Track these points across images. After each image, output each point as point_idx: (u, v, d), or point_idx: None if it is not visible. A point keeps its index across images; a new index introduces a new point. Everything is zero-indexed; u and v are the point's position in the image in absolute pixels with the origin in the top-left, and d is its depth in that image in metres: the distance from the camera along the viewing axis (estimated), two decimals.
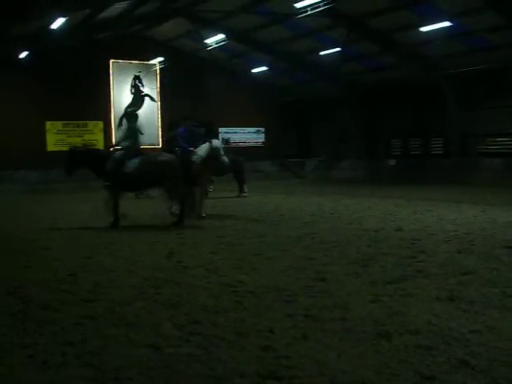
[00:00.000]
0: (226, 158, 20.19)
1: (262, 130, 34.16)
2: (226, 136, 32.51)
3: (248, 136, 33.82)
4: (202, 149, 14.02)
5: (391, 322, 5.21)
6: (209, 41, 26.21)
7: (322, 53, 26.13)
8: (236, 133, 33.29)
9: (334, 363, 4.27)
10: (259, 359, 4.39)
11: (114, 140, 29.35)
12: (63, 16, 19.80)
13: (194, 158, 13.85)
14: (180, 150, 14.29)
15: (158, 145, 29.40)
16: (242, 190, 19.86)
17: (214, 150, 13.96)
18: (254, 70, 30.51)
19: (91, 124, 29.18)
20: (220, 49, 27.20)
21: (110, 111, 29.80)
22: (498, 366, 4.15)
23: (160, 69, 30.49)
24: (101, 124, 29.44)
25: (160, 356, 4.53)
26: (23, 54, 25.27)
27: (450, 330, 4.92)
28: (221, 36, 25.55)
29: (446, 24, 20.57)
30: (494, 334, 4.82)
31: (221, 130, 31.90)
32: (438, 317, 5.32)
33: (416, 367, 4.15)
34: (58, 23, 20.48)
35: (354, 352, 4.49)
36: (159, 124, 31.08)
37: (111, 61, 29.66)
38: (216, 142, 20.73)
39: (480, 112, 25.40)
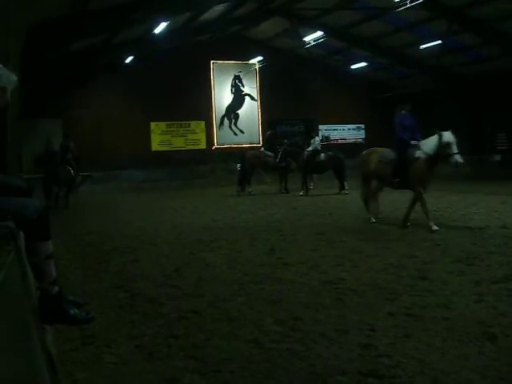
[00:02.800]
0: (323, 155, 20.28)
1: (362, 126, 33.76)
2: (326, 133, 32.38)
3: (348, 133, 33.53)
4: (429, 143, 11.37)
5: (496, 322, 5.02)
6: (307, 38, 26.16)
7: (422, 46, 25.45)
8: (336, 130, 33.09)
9: (437, 363, 4.18)
10: (360, 357, 4.37)
11: (215, 139, 29.99)
12: (165, 20, 20.42)
13: (417, 153, 11.33)
14: (398, 143, 11.91)
15: (259, 143, 29.68)
16: (342, 187, 19.73)
17: (445, 147, 11.07)
18: (353, 66, 30.21)
19: (193, 124, 29.88)
20: (318, 46, 27.09)
21: (212, 111, 30.39)
22: None
23: (259, 68, 30.78)
24: (203, 124, 30.09)
25: (261, 351, 4.60)
26: (128, 59, 26.25)
27: None
28: (319, 33, 25.45)
29: None
30: None
31: (320, 127, 31.82)
32: None
33: None
34: (161, 28, 21.13)
35: (457, 353, 4.38)
36: (259, 122, 31.37)
37: (211, 61, 30.25)
38: (316, 139, 20.95)
39: None
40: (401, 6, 20.10)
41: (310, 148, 20.53)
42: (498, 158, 27.94)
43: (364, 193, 12.65)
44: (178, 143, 29.06)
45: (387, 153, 12.13)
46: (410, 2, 19.43)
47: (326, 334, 4.92)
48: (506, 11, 21.38)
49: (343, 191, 19.51)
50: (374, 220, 11.95)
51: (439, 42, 24.44)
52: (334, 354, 4.46)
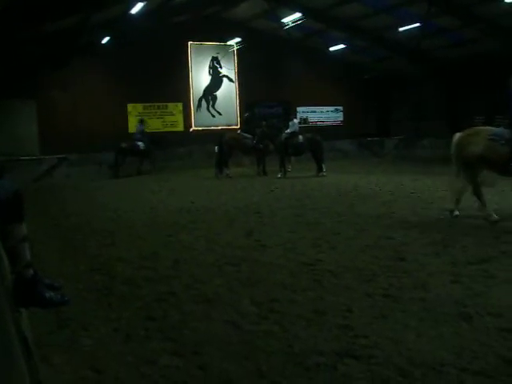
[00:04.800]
0: (301, 137, 20.30)
1: (340, 108, 33.78)
2: (304, 115, 32.36)
3: (326, 115, 33.52)
4: None
5: (472, 303, 5.10)
6: (285, 20, 26.02)
7: (402, 29, 25.44)
8: (314, 112, 33.07)
9: (413, 344, 4.24)
10: (337, 338, 4.41)
11: (193, 121, 29.83)
12: (142, 1, 20.17)
13: None
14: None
15: (237, 125, 29.60)
16: (320, 169, 19.77)
17: None
18: (332, 48, 30.13)
19: (171, 106, 29.65)
20: (297, 28, 26.97)
21: (189, 92, 30.20)
22: None
23: (237, 49, 30.61)
24: (180, 105, 29.88)
25: (238, 332, 4.62)
26: (104, 40, 25.92)
27: None
28: (297, 14, 25.32)
29: None
30: None
31: (299, 109, 31.79)
32: None
33: (497, 350, 4.06)
34: (138, 8, 20.88)
35: (433, 333, 4.44)
36: (237, 104, 31.25)
37: (189, 43, 29.96)
38: (295, 122, 20.97)
39: None
40: None
41: (288, 130, 20.52)
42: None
43: (473, 182, 10.02)
44: (156, 125, 28.79)
45: (500, 131, 9.90)
46: None
47: (303, 315, 4.95)
48: None
49: (321, 173, 19.54)
50: (457, 213, 10.11)
51: (418, 24, 24.45)
52: (312, 334, 4.49)
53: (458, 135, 10.74)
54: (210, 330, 4.70)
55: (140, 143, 24.05)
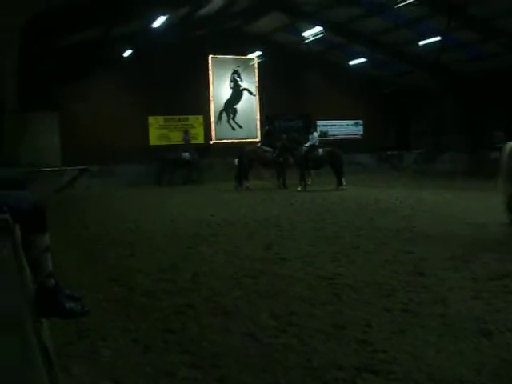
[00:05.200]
0: (320, 151, 20.31)
1: (360, 122, 33.74)
2: (324, 129, 32.35)
3: (346, 128, 33.50)
4: None
5: (493, 319, 5.03)
6: (306, 34, 26.12)
7: (422, 42, 25.40)
8: (334, 125, 33.06)
9: (432, 359, 4.19)
10: (356, 352, 4.38)
11: (213, 134, 29.96)
12: (163, 14, 20.37)
13: None
14: None
15: (257, 138, 29.67)
16: (339, 183, 19.75)
17: None
18: (352, 62, 30.17)
19: (192, 118, 29.83)
20: (317, 41, 27.05)
21: (210, 105, 30.35)
22: None
23: (258, 63, 30.74)
24: (201, 118, 30.05)
25: (257, 345, 4.60)
26: (126, 53, 26.18)
27: None
28: (318, 28, 25.39)
29: None
30: None
31: (319, 122, 31.80)
32: None
33: None
34: (159, 22, 21.08)
35: (453, 349, 4.39)
36: (258, 118, 31.33)
37: (210, 56, 30.19)
38: (314, 135, 20.99)
39: None
40: (400, 3, 20.10)
41: (307, 143, 20.55)
42: (496, 155, 27.95)
43: None
44: (176, 138, 28.98)
45: None
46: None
47: (322, 329, 4.93)
48: (506, 9, 21.34)
49: (341, 187, 19.52)
50: None
51: (438, 38, 24.40)
52: (331, 349, 4.47)
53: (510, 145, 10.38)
54: (228, 342, 4.70)
55: (186, 154, 24.94)
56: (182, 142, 26.30)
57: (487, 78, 27.12)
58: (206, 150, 26.05)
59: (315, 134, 21.31)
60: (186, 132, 26.50)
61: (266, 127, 24.91)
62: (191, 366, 4.23)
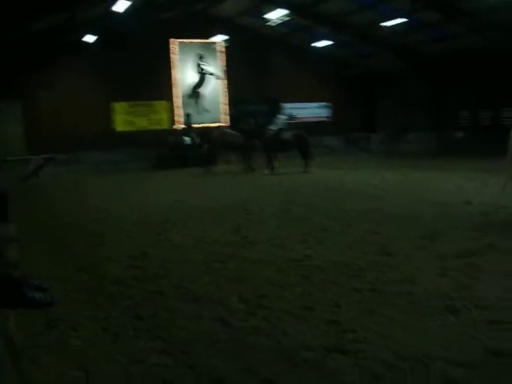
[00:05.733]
0: (287, 134, 20.32)
1: (327, 104, 33.82)
2: (291, 112, 32.36)
3: (313, 111, 33.53)
4: None
5: (459, 296, 5.12)
6: (270, 16, 26.00)
7: (386, 24, 25.50)
8: (301, 108, 33.07)
9: (400, 337, 4.25)
10: (325, 333, 4.42)
11: (179, 119, 29.75)
12: None
13: None
14: None
15: (223, 122, 29.55)
16: (307, 166, 19.79)
17: None
18: (317, 44, 30.17)
19: (157, 104, 29.56)
20: (282, 24, 26.98)
21: (175, 90, 30.10)
22: None
23: (223, 47, 30.55)
24: (166, 103, 29.80)
25: (227, 329, 4.62)
26: (90, 39, 25.77)
27: None
28: (282, 11, 25.30)
29: None
30: None
31: (285, 106, 31.79)
32: (509, 291, 5.20)
33: (485, 343, 4.07)
34: (123, 6, 20.78)
35: (420, 327, 4.46)
36: (224, 102, 31.18)
37: (175, 40, 29.88)
38: (281, 118, 20.98)
39: None
40: None
41: (274, 127, 20.54)
42: (460, 134, 28.32)
43: None
44: (142, 123, 28.73)
45: None
46: None
47: (291, 311, 4.96)
48: None
49: (308, 169, 19.56)
50: None
51: (403, 20, 24.51)
52: (300, 330, 4.50)
53: None
54: (198, 327, 4.70)
55: (187, 138, 25.60)
56: (149, 128, 26.11)
57: (451, 59, 27.37)
58: (205, 134, 25.15)
59: (282, 117, 21.30)
60: (188, 115, 26.63)
61: (233, 111, 24.83)
62: (161, 353, 4.23)
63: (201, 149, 24.18)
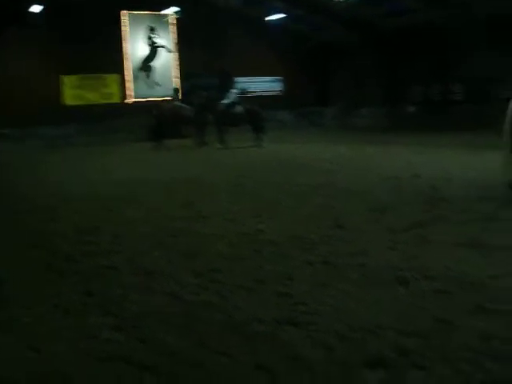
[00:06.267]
0: (239, 108, 20.24)
1: (280, 78, 33.76)
2: (244, 86, 32.22)
3: (266, 85, 33.45)
4: None
5: (409, 267, 5.21)
6: None
7: None
8: (254, 82, 32.92)
9: (352, 309, 4.31)
10: (277, 306, 4.44)
11: (130, 92, 29.29)
12: None
13: None
14: None
15: (175, 96, 29.19)
16: (259, 140, 19.78)
17: None
18: (271, 17, 30.02)
19: (107, 77, 29.02)
20: None
21: (126, 63, 29.59)
22: None
23: (175, 19, 30.09)
24: (117, 77, 29.28)
25: (179, 304, 4.60)
26: (36, 9, 25.01)
27: (468, 276, 4.92)
28: None
29: None
30: None
31: (238, 79, 31.60)
32: (457, 262, 5.31)
33: (433, 312, 4.16)
34: None
35: (372, 298, 4.52)
36: (175, 75, 30.81)
37: (125, 12, 29.28)
38: (233, 92, 20.86)
39: (505, 56, 24.72)
40: None
41: (226, 101, 20.42)
42: (412, 109, 28.69)
43: None
44: (92, 97, 28.21)
45: None
46: None
47: (243, 284, 4.97)
48: None
49: (261, 144, 19.56)
50: None
51: None
52: (252, 303, 4.51)
53: None
54: (150, 302, 4.67)
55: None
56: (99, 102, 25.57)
57: (406, 33, 27.54)
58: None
59: (234, 91, 21.18)
60: (176, 90, 25.41)
61: (185, 84, 24.55)
62: (113, 328, 4.18)
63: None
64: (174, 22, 30.31)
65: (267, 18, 30.12)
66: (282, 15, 29.30)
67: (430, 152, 15.20)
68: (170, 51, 30.64)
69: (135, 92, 29.68)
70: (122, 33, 29.33)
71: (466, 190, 9.25)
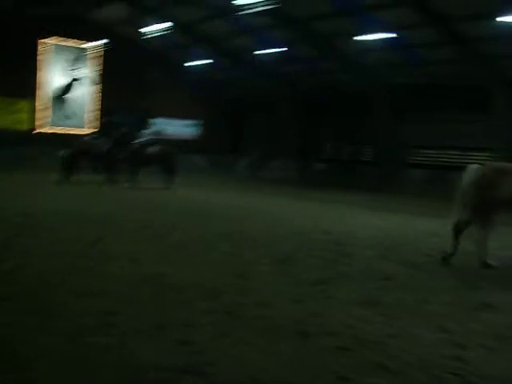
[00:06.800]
0: (152, 148, 20.12)
1: (198, 123, 33.96)
2: (160, 126, 32.11)
3: (183, 129, 33.54)
4: None
5: (311, 322, 5.26)
6: (149, 29, 25.84)
7: (263, 52, 26.16)
8: (170, 124, 32.92)
9: (253, 361, 4.27)
10: (176, 353, 4.33)
11: (42, 121, 28.56)
12: None
13: None
14: None
15: (90, 129, 28.65)
16: (170, 182, 19.62)
17: None
18: (195, 63, 30.30)
19: (20, 103, 28.18)
20: (160, 38, 26.88)
21: (41, 91, 28.89)
22: (412, 369, 4.27)
23: (98, 52, 29.83)
24: (30, 104, 28.49)
25: (74, 346, 4.41)
26: None
27: (368, 334, 5.02)
28: (161, 25, 25.21)
29: (385, 35, 21.16)
30: (409, 339, 4.95)
31: (156, 120, 31.48)
32: (357, 320, 5.42)
33: (333, 368, 4.19)
34: None
35: (273, 350, 4.50)
36: (94, 108, 30.33)
37: (45, 41, 28.74)
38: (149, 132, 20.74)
39: (411, 123, 26.17)
40: (242, 10, 20.54)
41: (140, 139, 20.25)
42: (322, 166, 29.46)
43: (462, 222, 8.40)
44: (2, 122, 27.26)
45: None
46: (249, 9, 19.98)
47: (142, 329, 4.83)
48: (343, 30, 22.61)
49: (172, 187, 19.40)
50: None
51: (280, 49, 25.28)
52: (150, 350, 4.38)
53: (476, 169, 8.45)
54: (43, 343, 4.44)
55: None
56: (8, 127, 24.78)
57: (324, 93, 28.65)
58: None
59: (149, 131, 21.07)
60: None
61: (104, 119, 24.19)
62: (1, 371, 3.94)
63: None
64: (98, 55, 30.00)
65: (191, 63, 30.37)
66: (205, 61, 29.63)
67: (337, 209, 15.59)
68: (89, 84, 30.22)
69: (47, 121, 28.94)
70: (39, 61, 28.70)
71: (369, 248, 9.51)
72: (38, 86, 28.71)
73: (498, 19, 17.73)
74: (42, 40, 28.57)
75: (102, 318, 5.11)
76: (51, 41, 28.95)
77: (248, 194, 18.92)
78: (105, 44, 28.49)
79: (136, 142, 20.19)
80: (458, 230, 8.42)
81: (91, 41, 28.79)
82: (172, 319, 5.17)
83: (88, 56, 30.06)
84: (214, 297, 6.01)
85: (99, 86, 30.27)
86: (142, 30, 26.09)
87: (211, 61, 29.45)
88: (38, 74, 28.70)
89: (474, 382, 4.10)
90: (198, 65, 30.31)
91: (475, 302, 6.31)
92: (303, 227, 11.76)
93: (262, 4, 19.45)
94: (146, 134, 20.51)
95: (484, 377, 4.19)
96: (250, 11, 20.51)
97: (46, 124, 28.82)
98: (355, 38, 22.04)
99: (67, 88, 29.76)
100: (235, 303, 5.79)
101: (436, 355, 4.57)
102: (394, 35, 21.11)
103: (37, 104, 28.75)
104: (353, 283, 6.96)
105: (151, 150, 20.03)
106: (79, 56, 29.89)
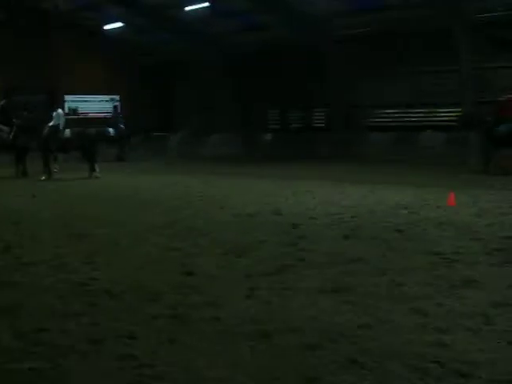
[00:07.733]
0: (68, 132, 19.80)
1: (117, 98, 33.50)
2: (73, 105, 31.63)
3: (100, 105, 33.07)
4: None
5: (270, 319, 5.29)
6: None
7: (188, 8, 25.87)
8: (86, 101, 32.46)
9: (206, 370, 4.28)
10: (118, 370, 4.32)
11: None
12: None
13: None
14: None
15: None
16: (92, 170, 19.40)
17: None
18: (108, 27, 29.81)
19: None
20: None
21: None
22: (389, 362, 4.32)
23: None
24: None
25: None
26: None
27: (337, 326, 5.08)
28: None
29: None
30: (384, 328, 5.04)
31: (66, 98, 30.98)
32: (323, 311, 5.49)
33: (299, 369, 4.24)
34: None
35: (228, 356, 4.52)
36: None
37: None
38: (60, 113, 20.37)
39: (369, 81, 26.19)
40: None
41: (52, 123, 19.89)
42: (269, 137, 29.47)
43: None
44: None
45: None
46: None
47: (76, 346, 4.80)
48: None
49: (94, 174, 19.19)
50: None
51: (207, 4, 24.98)
52: (88, 369, 4.36)
53: None
54: None
55: (111, 129, 26.64)
56: None
57: (261, 52, 28.28)
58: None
59: (60, 112, 20.67)
60: (115, 107, 27.53)
61: (2, 102, 23.64)
62: None
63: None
64: None
65: (105, 28, 29.86)
66: (120, 24, 29.16)
67: (289, 185, 15.66)
68: None
69: None
70: None
71: (330, 229, 9.63)
72: None
73: None
74: None
75: (29, 337, 5.04)
76: None
77: (184, 177, 18.84)
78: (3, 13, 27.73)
79: (46, 126, 19.80)
80: None
81: None
82: (110, 331, 5.14)
83: None
84: (156, 299, 6.00)
85: None
86: None
87: (127, 22, 28.99)
88: None
89: (456, 368, 4.17)
90: (112, 28, 29.82)
91: (454, 279, 6.48)
92: (251, 209, 11.80)
93: None
94: (57, 116, 20.12)
95: (468, 362, 4.27)
96: None
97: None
98: None
99: None
100: (181, 305, 5.79)
101: (414, 343, 4.66)
102: None
103: None
104: (315, 269, 7.03)
105: (65, 133, 19.72)
106: None
